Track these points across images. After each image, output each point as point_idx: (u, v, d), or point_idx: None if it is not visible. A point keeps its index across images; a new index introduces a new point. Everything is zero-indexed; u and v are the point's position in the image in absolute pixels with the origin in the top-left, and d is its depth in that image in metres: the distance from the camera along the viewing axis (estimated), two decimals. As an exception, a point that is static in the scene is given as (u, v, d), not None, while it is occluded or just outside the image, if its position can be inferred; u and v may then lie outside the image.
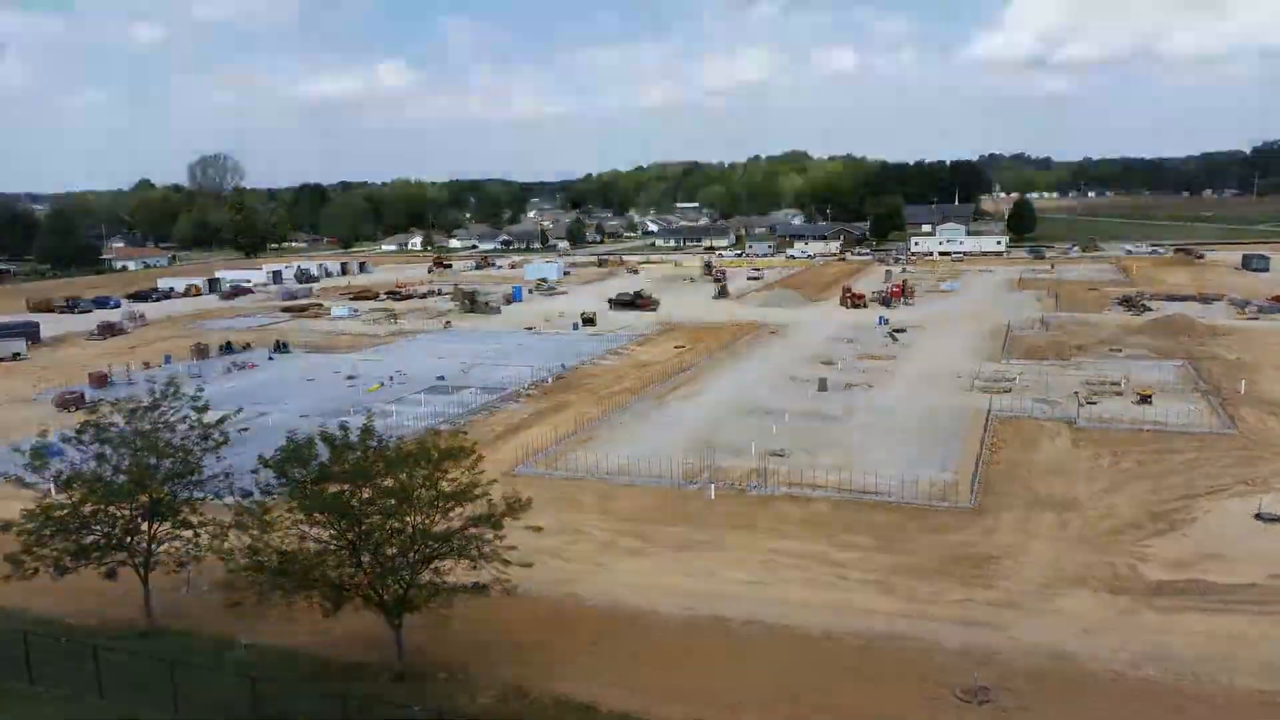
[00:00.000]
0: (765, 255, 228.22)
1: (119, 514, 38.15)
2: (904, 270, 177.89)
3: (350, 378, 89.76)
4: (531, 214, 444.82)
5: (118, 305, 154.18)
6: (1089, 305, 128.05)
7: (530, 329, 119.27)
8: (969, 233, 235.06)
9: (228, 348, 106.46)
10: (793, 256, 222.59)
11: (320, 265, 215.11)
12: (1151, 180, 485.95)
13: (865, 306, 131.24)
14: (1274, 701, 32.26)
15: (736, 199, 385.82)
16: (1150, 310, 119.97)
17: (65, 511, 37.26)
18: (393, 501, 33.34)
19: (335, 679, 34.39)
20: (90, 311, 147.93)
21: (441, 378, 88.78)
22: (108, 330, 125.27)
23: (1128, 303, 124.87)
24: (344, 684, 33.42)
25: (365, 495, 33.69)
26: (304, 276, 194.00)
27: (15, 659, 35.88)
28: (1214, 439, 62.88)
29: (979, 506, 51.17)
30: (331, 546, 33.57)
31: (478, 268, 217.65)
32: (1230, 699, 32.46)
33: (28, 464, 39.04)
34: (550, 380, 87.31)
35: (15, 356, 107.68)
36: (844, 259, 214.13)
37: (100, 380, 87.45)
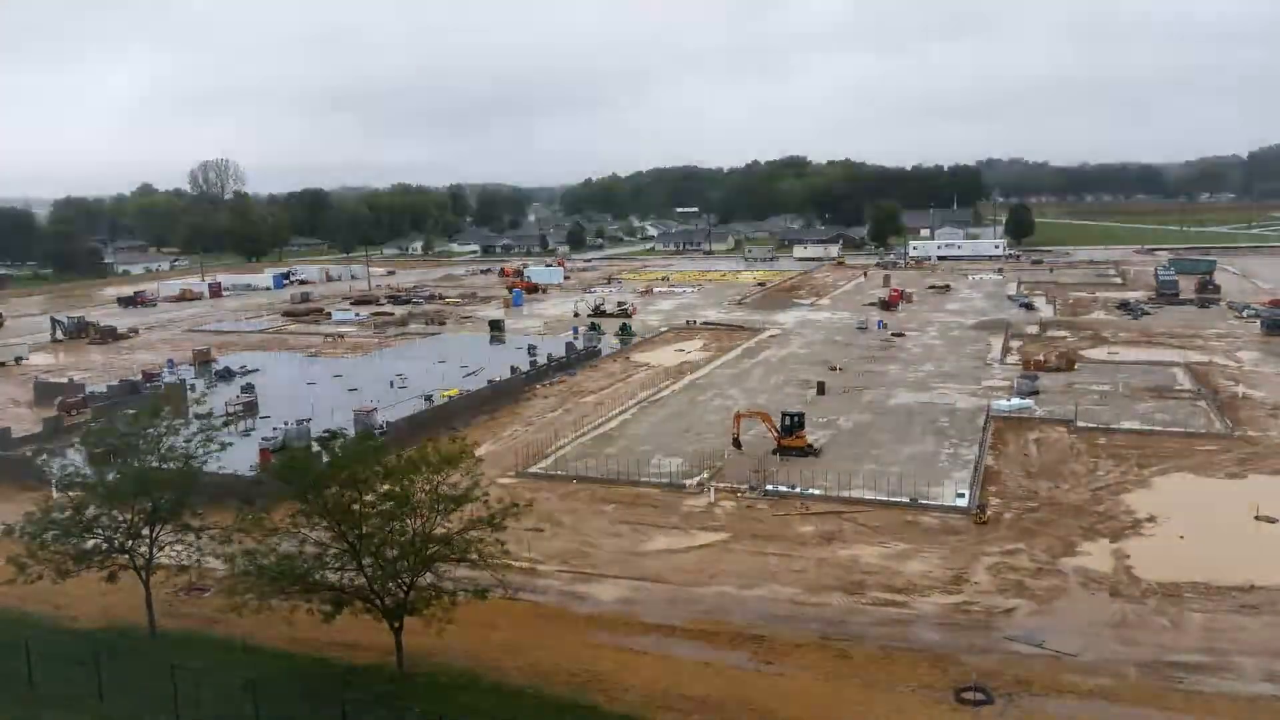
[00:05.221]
0: (765, 259, 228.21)
1: (121, 518, 38.30)
2: (898, 268, 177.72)
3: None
4: (531, 218, 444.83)
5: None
6: (1087, 309, 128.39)
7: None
8: (967, 237, 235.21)
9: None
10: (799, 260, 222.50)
11: (323, 269, 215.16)
12: (1148, 185, 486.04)
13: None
14: (1274, 703, 32.41)
15: (735, 203, 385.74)
16: (1149, 314, 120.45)
17: (67, 515, 37.42)
18: (391, 504, 33.55)
19: (335, 682, 34.51)
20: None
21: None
22: (109, 335, 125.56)
23: (1125, 307, 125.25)
24: (344, 686, 33.56)
25: (367, 499, 33.92)
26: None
27: (16, 663, 35.96)
28: (1212, 440, 63.08)
29: (978, 507, 51.31)
30: (332, 550, 33.78)
31: (484, 272, 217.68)
32: (1230, 700, 32.59)
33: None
34: (550, 383, 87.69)
35: (18, 360, 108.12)
36: (842, 263, 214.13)
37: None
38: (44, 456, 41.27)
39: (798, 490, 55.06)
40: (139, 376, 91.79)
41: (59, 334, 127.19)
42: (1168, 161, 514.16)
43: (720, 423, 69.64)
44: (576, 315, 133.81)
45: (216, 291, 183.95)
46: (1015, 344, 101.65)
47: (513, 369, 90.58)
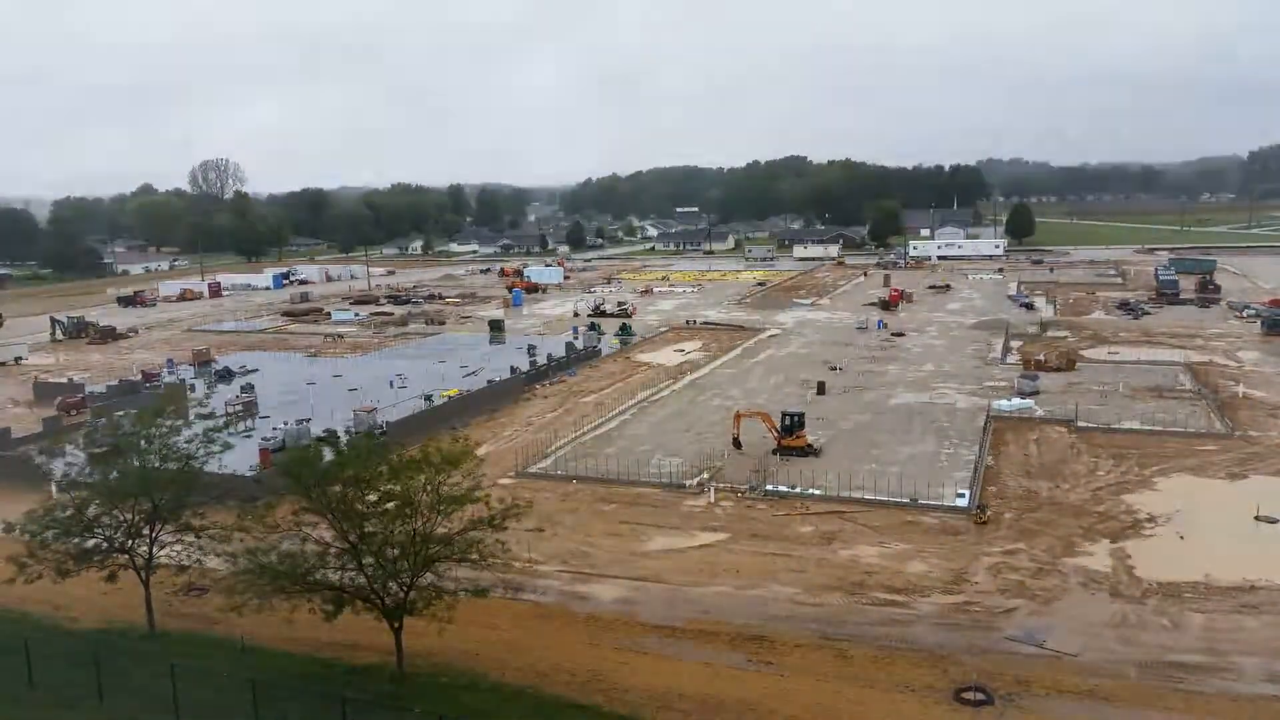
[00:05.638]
0: (765, 259, 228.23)
1: (122, 517, 38.30)
2: (898, 268, 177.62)
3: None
4: (531, 218, 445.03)
5: None
6: (1087, 308, 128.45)
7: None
8: (967, 237, 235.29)
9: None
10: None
11: (323, 269, 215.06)
12: (1148, 185, 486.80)
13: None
14: (1275, 703, 32.41)
15: (735, 203, 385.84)
16: (1149, 314, 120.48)
17: (68, 514, 37.44)
18: (393, 505, 33.59)
19: (335, 681, 34.50)
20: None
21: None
22: (109, 335, 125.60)
23: (1126, 307, 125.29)
24: (344, 686, 33.53)
25: (370, 499, 33.98)
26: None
27: (15, 663, 35.94)
28: (1212, 440, 63.08)
29: (978, 508, 51.31)
30: (334, 549, 33.83)
31: (484, 272, 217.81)
32: (1230, 700, 32.59)
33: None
34: (550, 383, 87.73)
35: (17, 360, 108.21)
36: (842, 263, 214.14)
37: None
38: (44, 456, 41.25)
39: (798, 490, 55.07)
40: (138, 376, 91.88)
41: (58, 334, 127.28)
42: (1168, 161, 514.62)
43: (720, 423, 69.64)
44: (576, 315, 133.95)
45: (216, 291, 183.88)
46: (1015, 344, 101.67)
47: (513, 369, 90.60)
